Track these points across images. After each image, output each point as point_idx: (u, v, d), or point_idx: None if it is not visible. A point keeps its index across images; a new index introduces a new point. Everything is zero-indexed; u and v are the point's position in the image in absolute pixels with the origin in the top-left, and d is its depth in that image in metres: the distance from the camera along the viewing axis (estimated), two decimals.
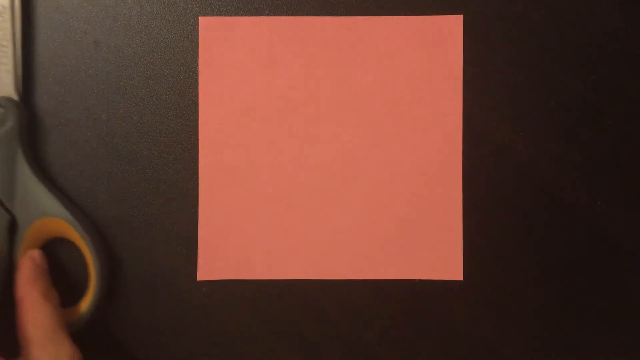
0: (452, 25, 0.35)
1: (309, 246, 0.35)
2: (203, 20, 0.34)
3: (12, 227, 0.34)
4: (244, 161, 0.35)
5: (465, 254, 0.36)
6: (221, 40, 0.35)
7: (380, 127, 0.35)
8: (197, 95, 0.36)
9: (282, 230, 0.35)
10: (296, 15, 0.35)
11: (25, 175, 0.34)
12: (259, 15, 0.36)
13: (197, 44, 0.37)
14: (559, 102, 0.37)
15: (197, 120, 0.36)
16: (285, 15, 0.35)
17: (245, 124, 0.35)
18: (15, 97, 0.35)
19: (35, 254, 0.34)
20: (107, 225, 0.36)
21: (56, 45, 0.37)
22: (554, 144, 0.37)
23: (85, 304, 0.34)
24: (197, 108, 0.36)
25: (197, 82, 0.37)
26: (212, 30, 0.34)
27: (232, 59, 0.35)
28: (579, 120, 0.37)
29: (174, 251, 0.36)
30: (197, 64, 0.36)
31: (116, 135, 0.37)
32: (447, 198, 0.35)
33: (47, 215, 0.34)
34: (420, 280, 0.35)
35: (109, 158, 0.37)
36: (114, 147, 0.37)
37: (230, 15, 0.37)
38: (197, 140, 0.36)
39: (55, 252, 0.36)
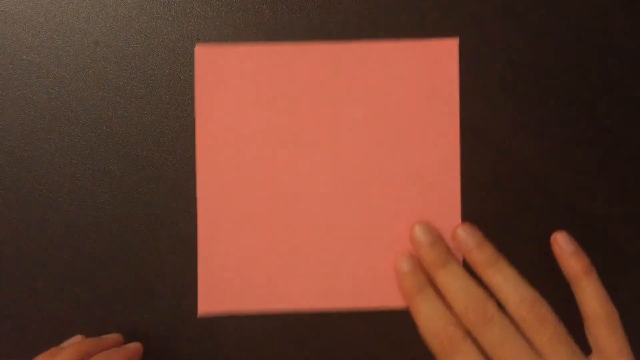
0: (448, 49, 0.35)
1: (311, 276, 0.34)
2: (199, 49, 0.34)
3: None
4: (242, 192, 0.35)
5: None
6: (217, 68, 0.34)
7: (378, 153, 0.35)
8: (193, 97, 0.37)
9: (283, 260, 0.34)
10: (291, 40, 0.35)
11: None
12: (254, 40, 0.36)
13: (196, 43, 0.37)
14: (559, 102, 0.37)
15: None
16: (281, 41, 0.35)
17: (242, 152, 0.35)
18: None
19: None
20: (107, 225, 0.36)
21: (56, 45, 0.37)
22: (554, 144, 0.37)
23: None
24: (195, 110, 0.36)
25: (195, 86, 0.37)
26: (207, 58, 0.34)
27: (228, 86, 0.35)
28: (578, 120, 0.37)
29: (174, 251, 0.36)
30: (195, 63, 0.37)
31: (116, 135, 0.37)
32: (445, 222, 0.35)
33: None
34: None
35: (109, 158, 0.37)
36: (114, 147, 0.37)
37: (226, 35, 0.37)
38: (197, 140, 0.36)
39: None
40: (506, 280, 0.33)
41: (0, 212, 0.36)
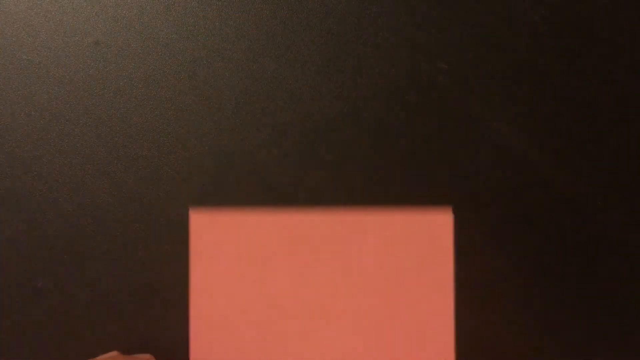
0: (441, 221, 0.35)
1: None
2: (194, 215, 0.34)
3: None
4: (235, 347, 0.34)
5: (460, 246, 0.36)
6: (212, 235, 0.34)
7: (373, 324, 0.35)
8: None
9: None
10: (286, 204, 0.35)
11: None
12: (251, 203, 0.36)
13: (196, 43, 0.37)
14: (559, 102, 0.37)
15: (198, 116, 0.36)
16: (276, 204, 0.35)
17: (238, 322, 0.34)
18: None
19: None
20: (107, 225, 0.36)
21: (56, 45, 0.37)
22: (554, 144, 0.37)
23: None
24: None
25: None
26: (203, 224, 0.34)
27: (224, 253, 0.35)
28: (579, 120, 0.37)
29: (174, 252, 0.36)
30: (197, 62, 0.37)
31: (116, 135, 0.37)
32: None
33: None
34: None
35: (109, 158, 0.37)
36: (114, 147, 0.37)
37: (227, 35, 0.37)
38: (197, 140, 0.36)
39: None
40: None
41: (0, 212, 0.36)
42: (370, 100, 0.37)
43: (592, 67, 0.37)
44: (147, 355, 0.34)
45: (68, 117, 0.36)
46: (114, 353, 0.34)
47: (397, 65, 0.38)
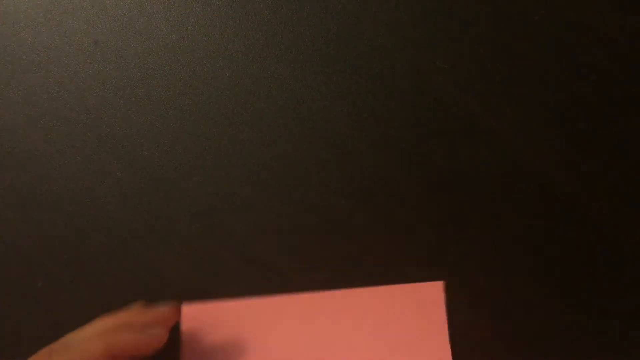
0: (433, 293, 0.35)
1: None
2: (186, 309, 0.33)
3: None
4: None
5: (461, 252, 0.36)
6: (204, 325, 0.34)
7: None
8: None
9: None
10: (278, 283, 0.35)
11: None
12: (239, 291, 0.36)
13: (196, 43, 0.37)
14: (559, 102, 0.37)
15: (198, 119, 0.36)
16: (266, 289, 0.35)
17: None
18: None
19: None
20: (107, 225, 0.36)
21: (56, 45, 0.37)
22: (554, 144, 0.37)
23: None
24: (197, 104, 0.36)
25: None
26: (194, 317, 0.34)
27: (215, 343, 0.34)
28: (579, 120, 0.37)
29: (174, 251, 0.36)
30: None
31: (116, 135, 0.37)
32: None
33: None
34: None
35: (109, 158, 0.37)
36: (114, 147, 0.37)
37: (227, 35, 0.37)
38: (198, 139, 0.36)
39: None
40: None
41: (0, 212, 0.36)
42: (370, 100, 0.37)
43: (592, 67, 0.37)
44: (174, 303, 0.33)
45: (68, 117, 0.36)
46: (139, 303, 0.34)
47: (397, 65, 0.38)
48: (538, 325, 0.35)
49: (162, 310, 0.33)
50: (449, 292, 0.35)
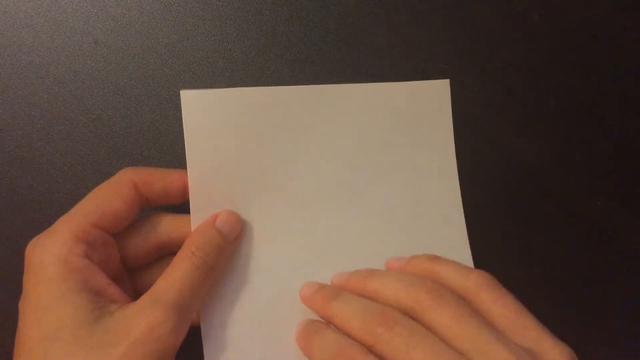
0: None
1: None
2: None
3: None
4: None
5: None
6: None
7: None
8: None
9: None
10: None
11: None
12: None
13: (196, 43, 0.37)
14: (559, 102, 0.37)
15: None
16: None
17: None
18: None
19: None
20: None
21: (56, 45, 0.37)
22: (554, 144, 0.37)
23: None
24: None
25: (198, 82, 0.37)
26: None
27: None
28: (579, 120, 0.37)
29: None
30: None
31: (116, 135, 0.37)
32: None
33: None
34: None
35: (109, 158, 0.37)
36: (114, 147, 0.37)
37: (227, 35, 0.37)
38: None
39: None
40: (378, 289, 0.29)
41: (0, 212, 0.36)
42: None
43: (592, 67, 0.37)
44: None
45: (68, 117, 0.36)
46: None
47: (397, 65, 0.38)
48: None
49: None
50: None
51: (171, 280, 0.29)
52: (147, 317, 0.27)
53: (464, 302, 0.27)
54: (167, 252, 0.32)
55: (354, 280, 0.31)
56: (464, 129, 0.37)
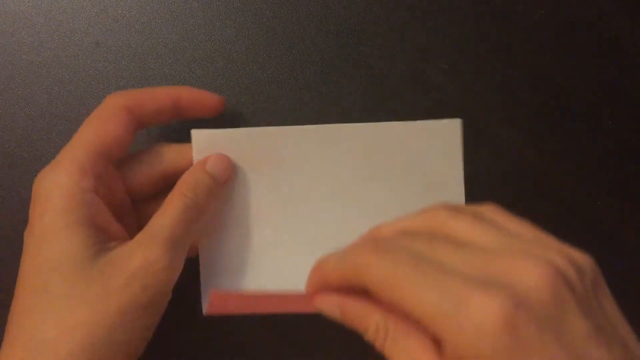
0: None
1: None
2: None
3: None
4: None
5: None
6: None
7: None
8: None
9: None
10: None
11: None
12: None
13: (196, 43, 0.37)
14: (559, 102, 0.37)
15: (198, 119, 0.36)
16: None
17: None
18: None
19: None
20: None
21: (56, 45, 0.37)
22: (554, 144, 0.37)
23: None
24: None
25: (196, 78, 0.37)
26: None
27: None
28: (579, 120, 0.37)
29: None
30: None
31: None
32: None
33: None
34: None
35: None
36: None
37: (227, 35, 0.37)
38: None
39: None
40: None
41: (0, 212, 0.36)
42: (370, 101, 0.37)
43: (592, 67, 0.37)
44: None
45: (68, 117, 0.36)
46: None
47: (397, 65, 0.38)
48: None
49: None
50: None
51: (164, 219, 0.29)
52: (143, 253, 0.28)
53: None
54: (173, 181, 0.32)
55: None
56: (463, 129, 0.37)
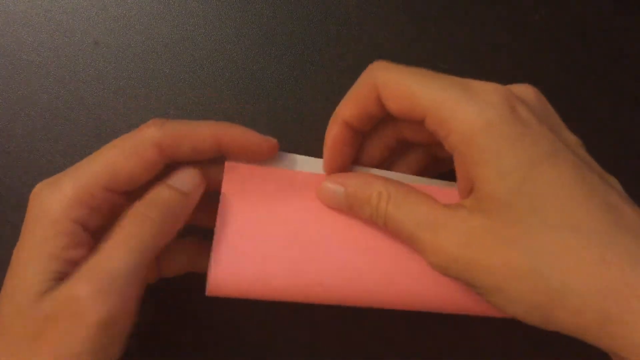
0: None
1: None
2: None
3: None
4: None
5: None
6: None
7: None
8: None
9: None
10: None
11: None
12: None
13: (196, 43, 0.37)
14: (559, 102, 0.37)
15: (198, 116, 0.36)
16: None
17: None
18: None
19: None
20: None
21: (56, 45, 0.37)
22: None
23: None
24: None
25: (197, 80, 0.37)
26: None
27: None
28: (579, 120, 0.37)
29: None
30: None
31: (116, 135, 0.36)
32: None
33: None
34: None
35: None
36: None
37: (227, 35, 0.37)
38: None
39: None
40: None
41: (0, 212, 0.36)
42: None
43: (592, 67, 0.37)
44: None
45: (68, 117, 0.36)
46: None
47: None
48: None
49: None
50: None
51: (126, 255, 0.26)
52: (103, 306, 0.24)
53: None
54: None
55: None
56: None
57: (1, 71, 0.36)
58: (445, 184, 0.32)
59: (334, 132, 0.30)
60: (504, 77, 0.37)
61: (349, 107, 0.29)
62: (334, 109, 0.38)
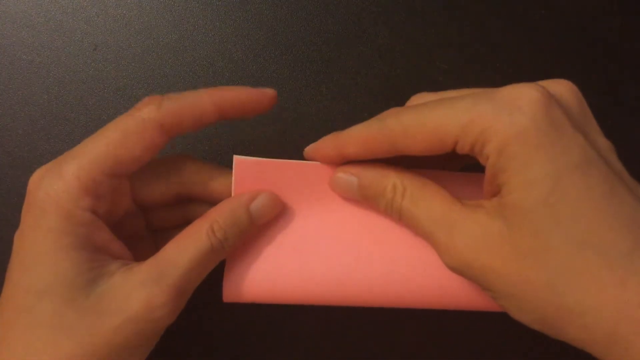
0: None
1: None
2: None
3: None
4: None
5: None
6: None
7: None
8: None
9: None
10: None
11: None
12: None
13: (196, 43, 0.37)
14: None
15: None
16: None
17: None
18: None
19: None
20: None
21: (56, 45, 0.37)
22: None
23: None
24: None
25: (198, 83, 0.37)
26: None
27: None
28: None
29: None
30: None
31: None
32: None
33: None
34: None
35: None
36: None
37: (227, 35, 0.37)
38: (197, 140, 0.36)
39: None
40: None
41: (0, 212, 0.36)
42: (370, 100, 0.37)
43: (592, 67, 0.37)
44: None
45: (68, 117, 0.36)
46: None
47: (397, 65, 0.38)
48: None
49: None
50: None
51: (181, 258, 0.26)
52: (147, 295, 0.25)
53: None
54: (185, 199, 0.30)
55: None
56: None
57: (1, 71, 0.36)
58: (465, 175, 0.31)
59: (329, 158, 0.29)
60: (504, 77, 0.37)
61: (354, 149, 0.27)
62: (334, 109, 0.38)
